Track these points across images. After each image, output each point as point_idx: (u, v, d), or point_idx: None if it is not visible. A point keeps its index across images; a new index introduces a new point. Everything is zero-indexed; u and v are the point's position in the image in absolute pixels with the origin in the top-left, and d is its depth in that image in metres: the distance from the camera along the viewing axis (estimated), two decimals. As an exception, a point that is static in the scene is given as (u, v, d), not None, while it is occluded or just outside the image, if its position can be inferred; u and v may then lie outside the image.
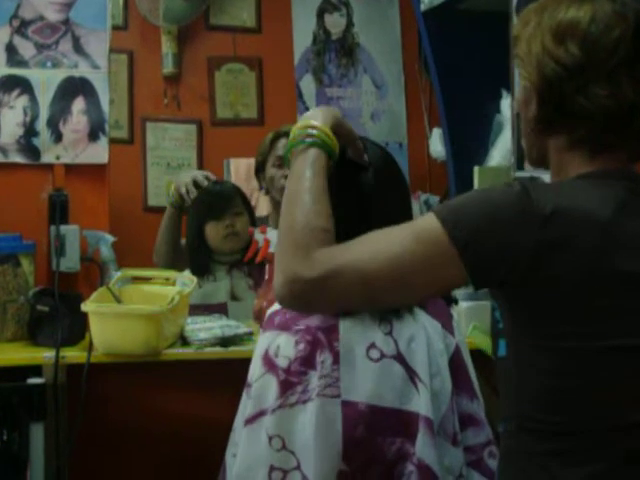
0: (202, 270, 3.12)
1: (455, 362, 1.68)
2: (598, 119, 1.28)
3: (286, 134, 3.23)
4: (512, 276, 1.24)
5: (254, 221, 3.17)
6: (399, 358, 1.61)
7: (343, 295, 1.29)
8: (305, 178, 1.42)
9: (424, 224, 1.27)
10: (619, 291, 1.24)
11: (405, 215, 1.69)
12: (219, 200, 3.13)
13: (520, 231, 1.22)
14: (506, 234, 1.22)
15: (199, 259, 3.13)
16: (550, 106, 1.30)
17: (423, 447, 1.58)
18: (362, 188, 1.66)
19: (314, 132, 1.46)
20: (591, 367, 1.24)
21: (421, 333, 1.64)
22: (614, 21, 1.28)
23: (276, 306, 1.72)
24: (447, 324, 1.70)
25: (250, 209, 3.20)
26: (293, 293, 1.29)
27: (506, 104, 3.65)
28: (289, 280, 1.29)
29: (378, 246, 1.28)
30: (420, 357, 1.62)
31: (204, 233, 3.11)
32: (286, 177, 3.28)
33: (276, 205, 3.22)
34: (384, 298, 1.32)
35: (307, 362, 1.61)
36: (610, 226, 1.23)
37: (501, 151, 3.73)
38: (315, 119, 1.49)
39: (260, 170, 3.31)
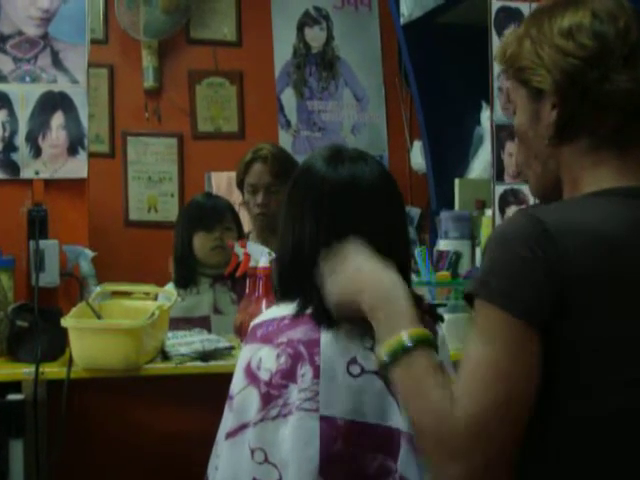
0: (186, 281, 3.13)
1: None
2: (622, 106, 1.26)
3: (260, 158, 3.25)
4: (550, 311, 1.20)
5: (242, 238, 3.18)
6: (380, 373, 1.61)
7: (504, 444, 1.20)
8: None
9: (484, 321, 1.22)
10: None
11: (401, 231, 1.70)
12: (211, 213, 3.16)
13: (538, 262, 1.19)
14: (535, 272, 1.19)
15: (184, 270, 3.14)
16: (574, 101, 1.27)
17: (406, 464, 1.58)
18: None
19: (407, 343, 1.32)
20: (612, 400, 1.21)
21: (403, 348, 1.63)
22: (616, 12, 1.29)
23: (259, 319, 1.72)
24: (432, 341, 1.70)
25: (239, 227, 3.23)
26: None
27: (486, 116, 3.67)
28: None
29: (483, 385, 1.19)
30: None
31: (192, 244, 3.13)
32: (259, 205, 3.40)
33: (254, 226, 3.30)
34: (527, 411, 1.21)
35: (288, 375, 1.60)
36: (628, 248, 1.21)
37: (481, 163, 3.75)
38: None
39: (240, 187, 3.35)
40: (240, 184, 3.36)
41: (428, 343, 1.29)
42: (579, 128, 1.29)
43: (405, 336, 1.29)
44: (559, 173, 1.33)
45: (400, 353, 1.28)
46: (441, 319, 1.77)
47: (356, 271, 1.46)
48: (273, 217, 3.21)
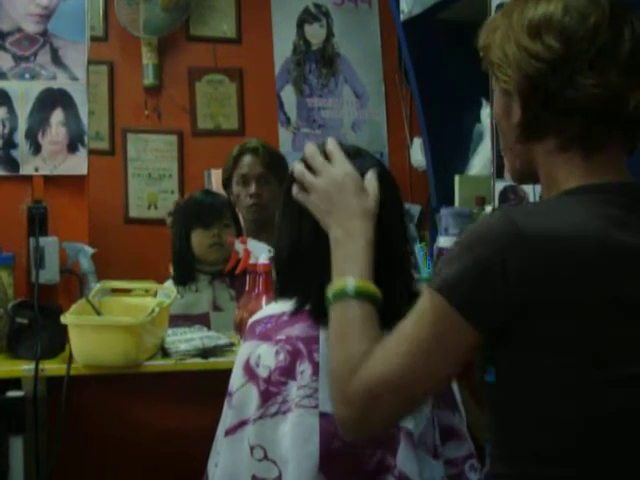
0: (185, 279, 3.12)
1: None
2: (588, 111, 1.23)
3: (249, 150, 3.29)
4: (509, 312, 1.20)
5: (240, 235, 3.18)
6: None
7: (389, 411, 1.26)
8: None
9: (425, 304, 1.24)
10: (617, 318, 1.20)
11: (399, 226, 1.71)
12: (209, 210, 3.15)
13: (508, 264, 1.18)
14: (494, 271, 1.18)
15: (183, 267, 3.14)
16: (536, 106, 1.25)
17: (404, 460, 1.58)
18: None
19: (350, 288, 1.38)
20: (592, 398, 1.20)
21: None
22: (588, 9, 1.24)
23: (257, 315, 1.72)
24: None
25: (238, 223, 3.22)
26: (351, 432, 1.31)
27: (486, 113, 3.67)
28: (341, 424, 1.30)
29: (392, 352, 1.24)
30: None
31: (190, 241, 3.12)
32: (251, 196, 3.39)
33: (244, 221, 3.31)
34: (422, 395, 1.29)
35: (287, 372, 1.60)
36: (603, 248, 1.20)
37: (481, 160, 3.74)
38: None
39: (227, 185, 3.36)
40: (227, 181, 3.37)
41: (369, 297, 1.36)
42: (545, 129, 1.27)
43: (350, 284, 1.36)
44: (533, 166, 1.32)
45: (341, 296, 1.36)
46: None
47: (337, 189, 1.49)
48: (265, 208, 3.24)
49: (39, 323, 2.56)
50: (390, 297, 1.52)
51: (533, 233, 1.19)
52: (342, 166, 1.52)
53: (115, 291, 2.84)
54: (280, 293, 1.71)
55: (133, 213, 4.54)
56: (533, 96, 1.25)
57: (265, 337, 1.64)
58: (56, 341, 2.55)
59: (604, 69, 1.23)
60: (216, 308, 3.12)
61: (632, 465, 1.22)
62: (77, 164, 2.99)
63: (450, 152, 3.89)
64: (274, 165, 3.30)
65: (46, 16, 2.97)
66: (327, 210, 1.49)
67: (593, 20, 1.23)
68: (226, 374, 1.73)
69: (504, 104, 1.31)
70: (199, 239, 3.12)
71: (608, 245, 1.20)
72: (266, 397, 1.61)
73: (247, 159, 3.31)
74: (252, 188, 3.27)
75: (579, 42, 1.23)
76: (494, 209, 1.24)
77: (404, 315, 1.53)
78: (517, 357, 1.22)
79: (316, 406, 1.58)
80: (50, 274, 2.89)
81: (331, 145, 1.55)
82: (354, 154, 1.69)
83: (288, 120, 4.65)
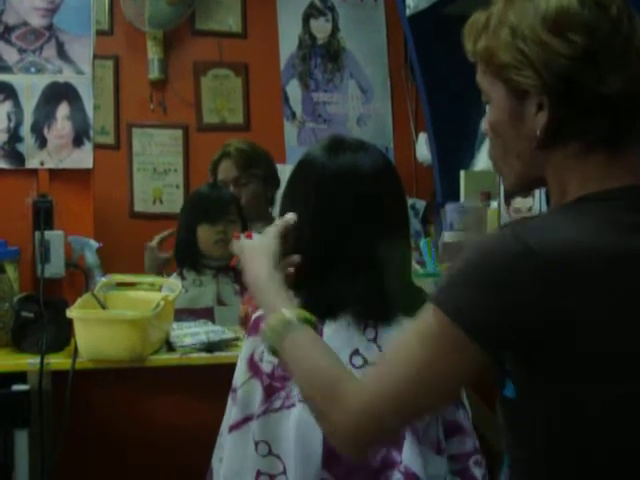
0: (189, 273, 3.13)
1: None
2: (617, 108, 1.16)
3: (225, 155, 3.35)
4: (524, 332, 1.14)
5: (246, 230, 3.18)
6: (383, 364, 1.61)
7: (389, 428, 1.24)
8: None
9: (432, 326, 1.17)
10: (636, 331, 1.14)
11: (402, 221, 1.70)
12: (216, 205, 3.15)
13: (523, 285, 1.12)
14: (508, 294, 1.13)
15: (188, 261, 3.13)
16: (567, 105, 1.17)
17: (410, 455, 1.57)
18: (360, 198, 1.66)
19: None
20: (614, 414, 1.15)
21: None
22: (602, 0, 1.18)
23: (261, 311, 1.72)
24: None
25: (243, 218, 3.21)
26: (349, 445, 1.25)
27: (492, 108, 3.66)
28: (341, 436, 1.24)
29: (397, 371, 1.19)
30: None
31: (196, 236, 3.12)
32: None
33: None
34: (426, 413, 1.28)
35: (291, 367, 1.60)
36: (621, 257, 1.14)
37: (487, 155, 3.74)
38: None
39: None
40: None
41: (309, 322, 1.35)
42: (570, 132, 1.19)
43: (287, 314, 1.35)
44: (543, 174, 1.23)
45: (284, 327, 1.34)
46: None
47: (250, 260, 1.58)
48: (247, 209, 3.25)
49: (44, 317, 2.56)
50: (391, 291, 1.52)
51: (545, 251, 1.12)
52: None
53: (120, 285, 2.84)
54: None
55: (138, 207, 4.54)
56: (564, 94, 1.17)
57: (269, 332, 1.64)
58: (61, 335, 2.56)
59: (631, 61, 1.17)
60: (220, 302, 3.13)
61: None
62: (82, 158, 2.99)
63: (456, 147, 3.88)
64: (249, 166, 3.38)
65: (52, 10, 2.97)
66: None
67: (615, 12, 1.17)
68: (231, 368, 1.73)
69: (512, 109, 1.23)
70: (205, 235, 3.12)
71: (627, 253, 1.15)
72: (270, 392, 1.61)
73: (223, 164, 3.45)
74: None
75: (608, 35, 1.16)
76: (503, 226, 1.19)
77: (402, 306, 1.54)
78: (541, 380, 1.17)
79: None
80: (55, 268, 2.89)
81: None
82: (357, 147, 1.69)
83: (293, 115, 4.64)
